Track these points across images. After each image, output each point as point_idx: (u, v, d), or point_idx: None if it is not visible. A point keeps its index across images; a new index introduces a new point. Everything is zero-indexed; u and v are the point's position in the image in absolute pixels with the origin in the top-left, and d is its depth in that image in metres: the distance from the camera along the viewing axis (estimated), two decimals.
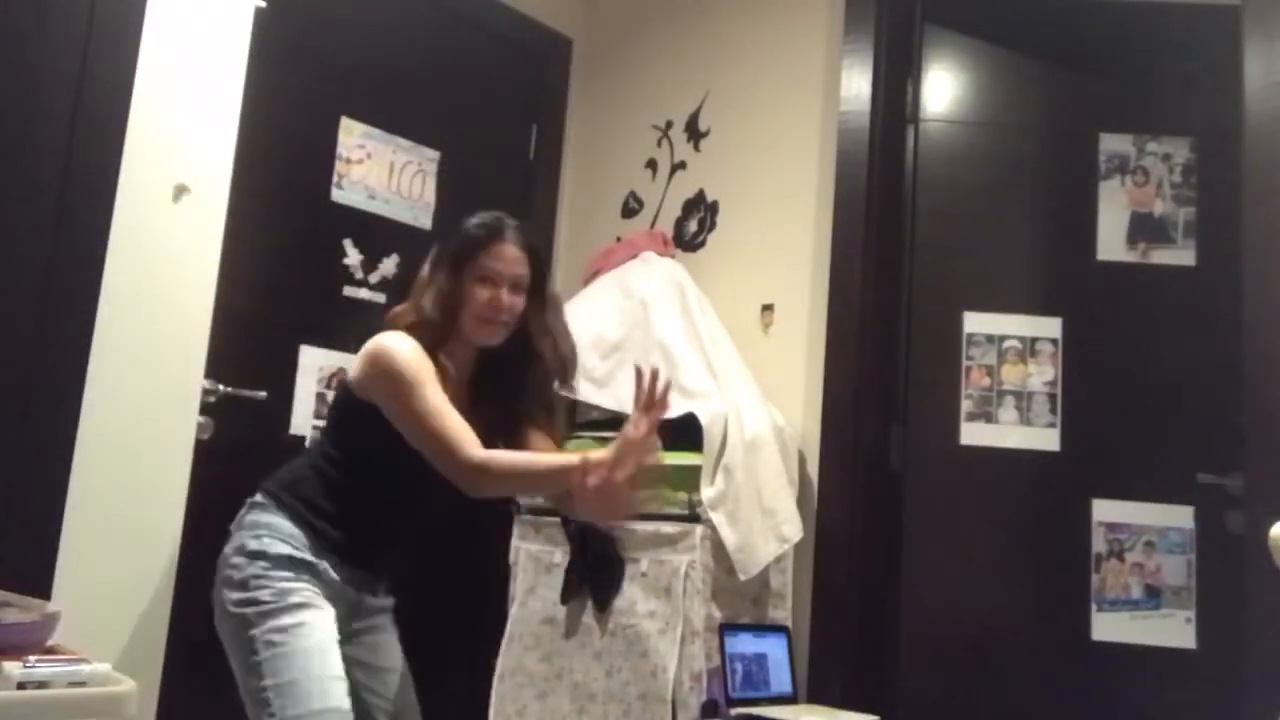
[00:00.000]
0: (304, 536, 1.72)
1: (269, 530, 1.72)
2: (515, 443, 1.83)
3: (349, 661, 1.73)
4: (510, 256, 1.81)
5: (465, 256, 1.80)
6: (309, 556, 1.71)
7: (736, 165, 2.93)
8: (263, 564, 1.67)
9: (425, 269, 1.87)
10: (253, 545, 1.69)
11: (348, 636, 1.76)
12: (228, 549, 1.73)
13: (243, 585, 1.66)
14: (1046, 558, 2.57)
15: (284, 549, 1.69)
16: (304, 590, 1.67)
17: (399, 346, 1.73)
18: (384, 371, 1.71)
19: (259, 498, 1.78)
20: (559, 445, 1.92)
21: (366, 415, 1.74)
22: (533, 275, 1.84)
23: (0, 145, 1.99)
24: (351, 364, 1.83)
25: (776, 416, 2.55)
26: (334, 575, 1.73)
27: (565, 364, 1.90)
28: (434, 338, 1.78)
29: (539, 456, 1.77)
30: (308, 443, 2.59)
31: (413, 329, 1.78)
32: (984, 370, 2.66)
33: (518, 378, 1.87)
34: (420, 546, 1.96)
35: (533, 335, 1.85)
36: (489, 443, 1.71)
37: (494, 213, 1.86)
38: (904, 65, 2.79)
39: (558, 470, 1.68)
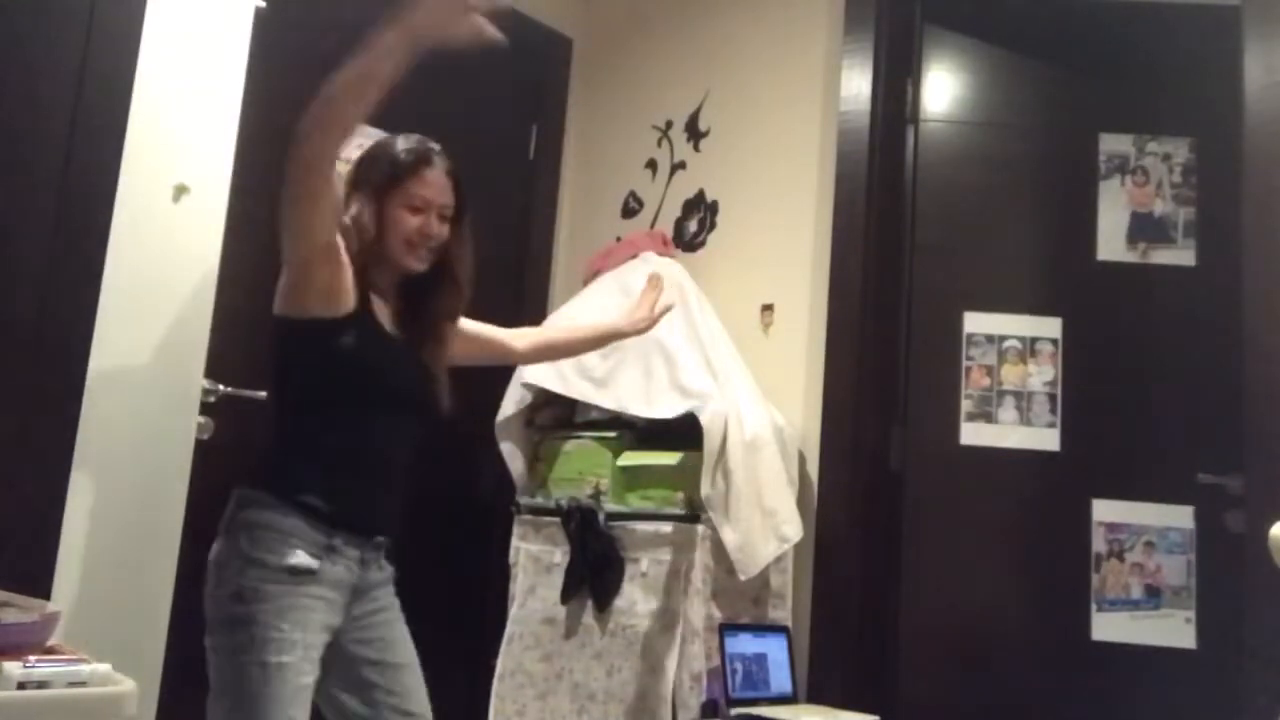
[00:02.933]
0: (305, 527, 1.63)
1: (268, 531, 1.62)
2: (436, 353, 1.83)
3: (354, 661, 1.70)
4: (439, 184, 1.79)
5: (394, 182, 1.77)
6: (308, 559, 1.61)
7: (736, 165, 2.93)
8: (261, 573, 1.59)
9: (339, 190, 1.77)
10: (252, 551, 1.60)
11: (351, 624, 1.70)
12: (224, 551, 1.64)
13: (237, 597, 1.58)
14: (1046, 558, 2.57)
15: (286, 557, 1.60)
16: (299, 611, 1.59)
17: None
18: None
19: (250, 492, 1.66)
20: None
21: (299, 338, 1.68)
22: (456, 203, 1.83)
23: (0, 145, 1.99)
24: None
25: (776, 416, 2.55)
26: (336, 565, 1.65)
27: (468, 292, 1.89)
28: (362, 261, 1.73)
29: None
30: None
31: None
32: (984, 370, 2.66)
33: (436, 301, 1.84)
34: (407, 488, 1.84)
35: (453, 262, 1.83)
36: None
37: (418, 136, 1.83)
38: (904, 65, 2.79)
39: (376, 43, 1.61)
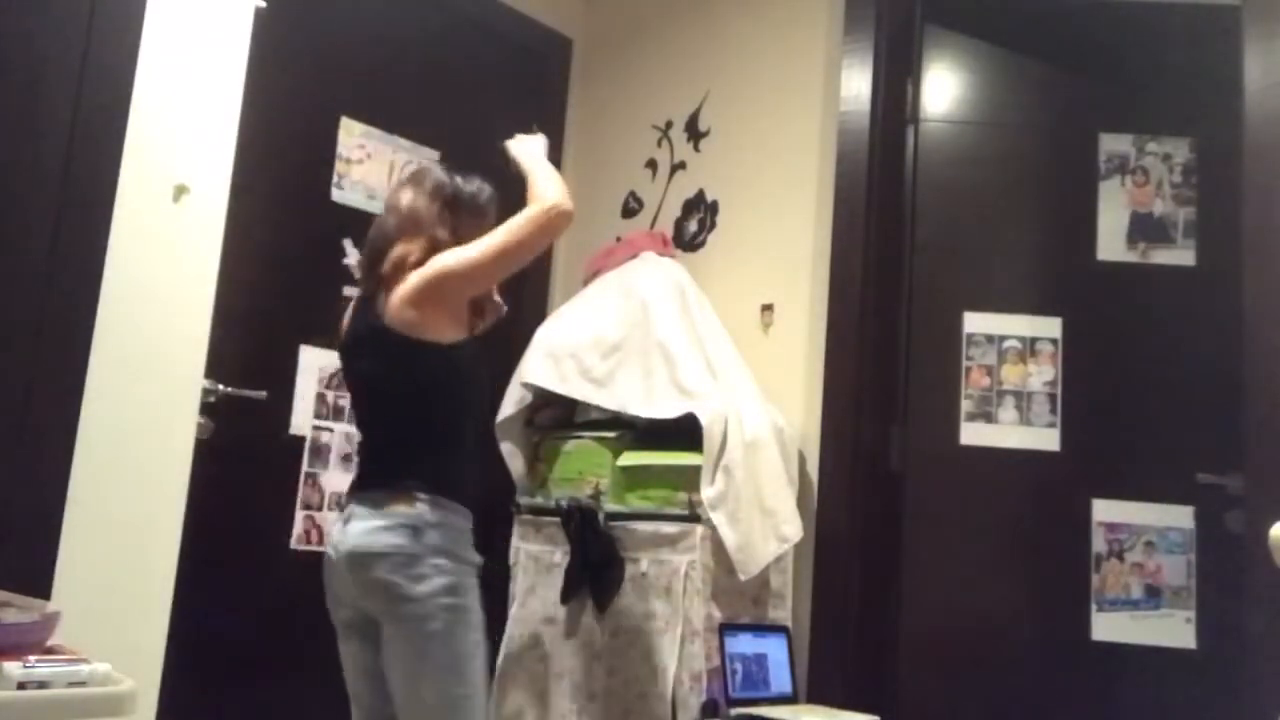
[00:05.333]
0: (471, 528, 1.92)
1: (461, 532, 1.90)
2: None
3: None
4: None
5: (481, 212, 2.04)
6: (472, 554, 1.91)
7: (736, 165, 2.93)
8: (466, 569, 1.87)
9: (430, 206, 2.00)
10: (456, 549, 1.87)
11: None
12: (420, 544, 1.83)
13: (453, 590, 1.82)
14: (1046, 558, 2.57)
15: (475, 556, 1.91)
16: (481, 598, 1.89)
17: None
18: (439, 276, 1.91)
19: (437, 497, 1.87)
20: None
21: (432, 358, 1.91)
22: None
23: (1, 145, 1.99)
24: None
25: (776, 416, 2.55)
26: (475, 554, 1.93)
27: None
28: None
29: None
30: (307, 444, 2.59)
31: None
32: (984, 370, 2.66)
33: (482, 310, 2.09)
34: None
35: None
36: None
37: (481, 180, 2.10)
38: (904, 65, 2.79)
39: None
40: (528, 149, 2.13)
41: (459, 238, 1.96)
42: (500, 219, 1.99)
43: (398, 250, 1.94)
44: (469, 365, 1.97)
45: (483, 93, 3.12)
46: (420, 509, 1.85)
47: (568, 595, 2.45)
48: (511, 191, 2.07)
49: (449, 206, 2.01)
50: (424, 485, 1.86)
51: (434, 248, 1.93)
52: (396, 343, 1.90)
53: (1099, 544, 2.55)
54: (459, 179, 2.05)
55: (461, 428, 1.97)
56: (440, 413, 1.94)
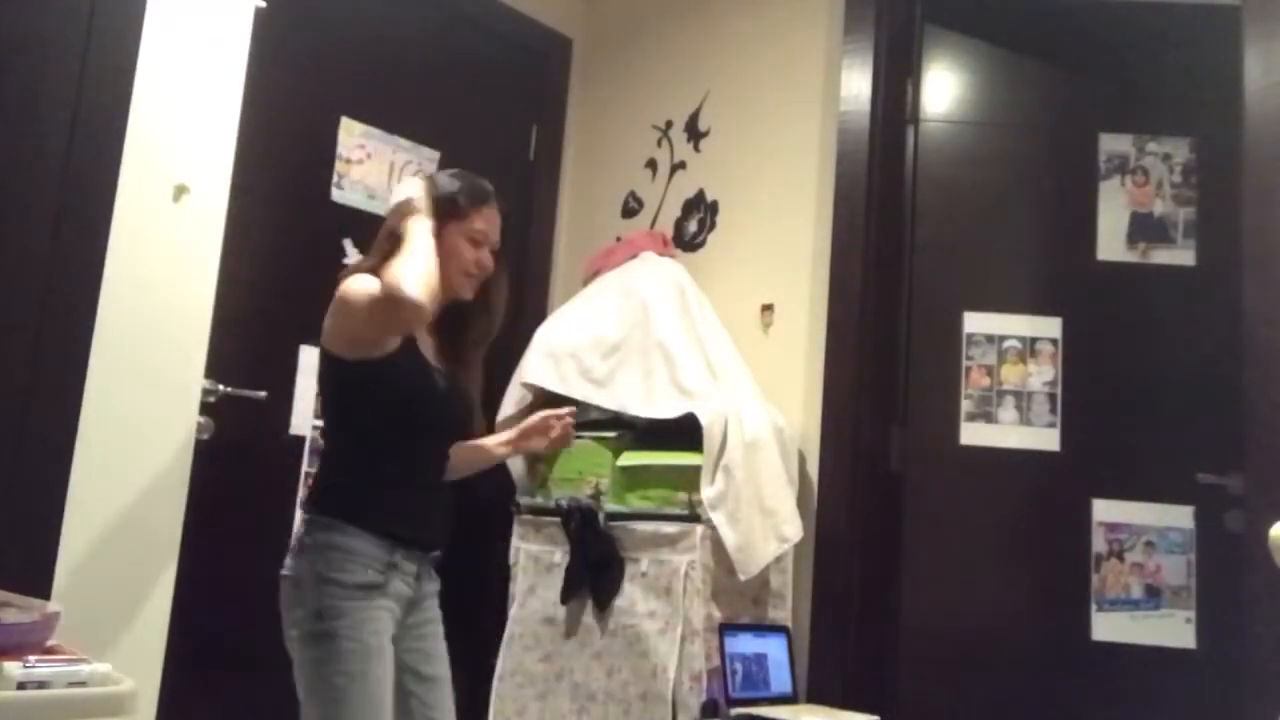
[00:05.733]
0: (371, 547, 1.75)
1: (338, 552, 1.74)
2: (465, 373, 1.98)
3: (400, 667, 1.79)
4: (495, 221, 1.94)
5: (460, 214, 1.89)
6: (376, 575, 1.74)
7: (736, 165, 2.93)
8: (337, 591, 1.71)
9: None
10: (327, 571, 1.72)
11: (404, 633, 1.82)
12: (297, 571, 1.75)
13: (318, 615, 1.70)
14: (1046, 558, 2.57)
15: (357, 575, 1.73)
16: (373, 622, 1.72)
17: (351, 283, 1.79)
18: (339, 305, 1.77)
19: (318, 517, 1.78)
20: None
21: (353, 375, 1.79)
22: (502, 239, 1.99)
23: (1, 145, 1.99)
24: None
25: (776, 416, 2.55)
26: (396, 581, 1.78)
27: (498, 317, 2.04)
28: None
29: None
30: (307, 444, 2.59)
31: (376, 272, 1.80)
32: (984, 370, 2.66)
33: (471, 329, 1.99)
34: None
35: (491, 294, 1.99)
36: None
37: (473, 175, 1.97)
38: (904, 65, 2.79)
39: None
40: (402, 204, 1.85)
41: (440, 239, 1.83)
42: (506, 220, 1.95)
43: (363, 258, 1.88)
44: (406, 381, 1.82)
45: (483, 93, 3.12)
46: (300, 530, 1.80)
47: (568, 595, 2.45)
48: (507, 192, 2.05)
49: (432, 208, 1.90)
50: (318, 506, 1.80)
51: (384, 258, 1.78)
52: (321, 353, 1.83)
53: (1099, 544, 2.55)
54: (441, 177, 1.94)
55: (387, 447, 1.82)
56: (354, 430, 1.82)
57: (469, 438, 2.03)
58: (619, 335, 2.63)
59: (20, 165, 2.01)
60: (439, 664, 1.90)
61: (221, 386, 2.39)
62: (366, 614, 1.72)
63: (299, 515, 1.83)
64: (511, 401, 2.72)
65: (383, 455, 1.82)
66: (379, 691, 1.70)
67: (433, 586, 1.92)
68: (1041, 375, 2.64)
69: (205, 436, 2.30)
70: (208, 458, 2.27)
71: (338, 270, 1.86)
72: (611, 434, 2.59)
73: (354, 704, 1.67)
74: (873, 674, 2.53)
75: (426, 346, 1.92)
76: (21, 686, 1.45)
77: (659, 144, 3.11)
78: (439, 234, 1.85)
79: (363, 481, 1.81)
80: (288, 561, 1.78)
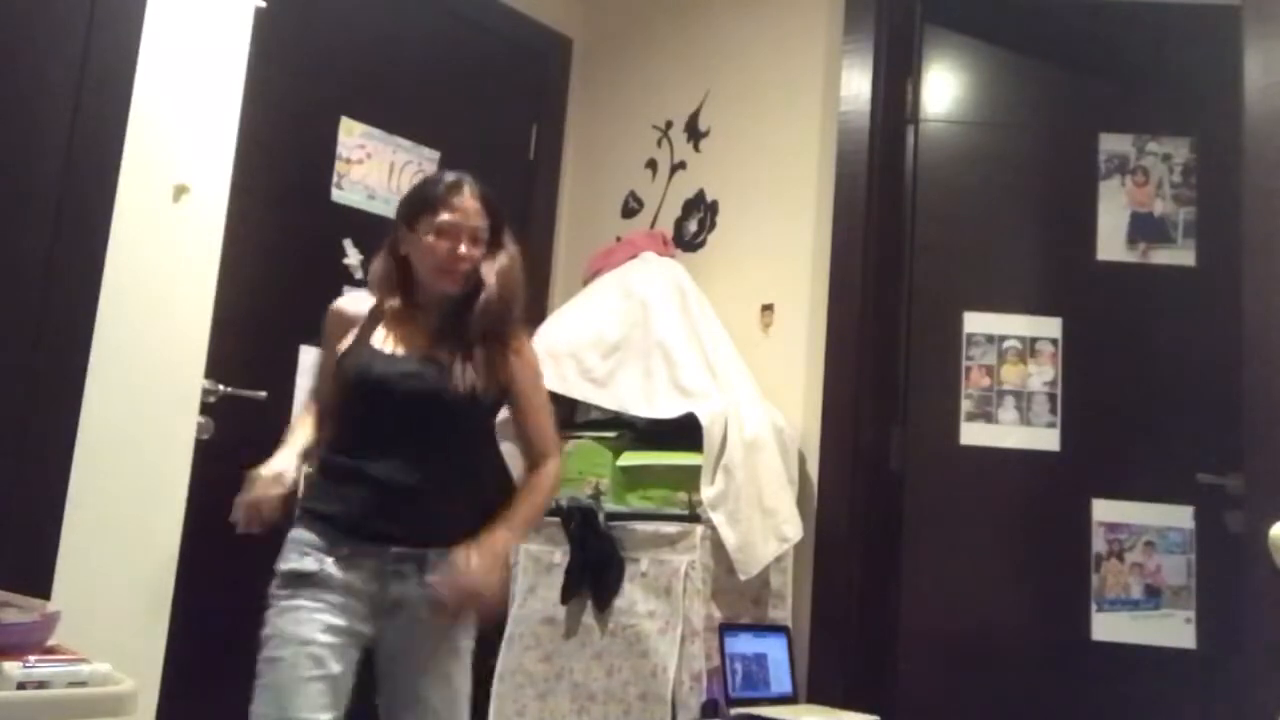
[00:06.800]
0: (314, 537, 1.76)
1: (288, 543, 1.78)
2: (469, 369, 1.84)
3: (407, 679, 1.78)
4: (468, 208, 1.85)
5: (424, 211, 1.84)
6: (310, 564, 1.73)
7: (736, 165, 2.93)
8: (275, 580, 1.75)
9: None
10: (277, 563, 1.77)
11: (384, 641, 1.79)
12: None
13: (266, 602, 1.74)
14: (1046, 558, 2.57)
15: (286, 564, 1.75)
16: (297, 610, 1.71)
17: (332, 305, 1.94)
18: None
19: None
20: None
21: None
22: (491, 226, 1.88)
23: (0, 145, 1.99)
24: None
25: (776, 416, 2.55)
26: (347, 572, 1.73)
27: (507, 304, 1.89)
28: (399, 289, 1.90)
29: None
30: None
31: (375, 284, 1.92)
32: (984, 370, 2.66)
33: (472, 319, 1.86)
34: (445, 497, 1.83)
35: (483, 281, 1.86)
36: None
37: (451, 170, 1.92)
38: (904, 65, 2.79)
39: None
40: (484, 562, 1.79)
41: (412, 245, 1.85)
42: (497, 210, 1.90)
43: None
44: (343, 368, 1.83)
45: (483, 93, 3.12)
46: None
47: (568, 595, 2.45)
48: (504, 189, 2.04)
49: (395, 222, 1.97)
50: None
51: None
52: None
53: (1099, 544, 2.55)
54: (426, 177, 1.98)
55: (335, 439, 1.83)
56: (322, 419, 1.90)
57: (454, 427, 1.84)
58: (619, 335, 2.63)
59: (20, 165, 2.01)
60: (427, 685, 1.81)
61: (221, 386, 2.39)
62: (291, 602, 1.71)
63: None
64: None
65: (330, 447, 1.84)
66: (286, 679, 1.67)
67: (416, 590, 1.77)
68: (1041, 375, 2.64)
69: (205, 436, 2.30)
70: (208, 458, 2.27)
71: (338, 270, 1.88)
72: (611, 434, 2.59)
73: (261, 689, 1.68)
74: (873, 674, 2.53)
75: (399, 336, 1.85)
76: (21, 686, 1.46)
77: (659, 144, 3.11)
78: (410, 237, 1.85)
79: (317, 474, 1.84)
80: None
